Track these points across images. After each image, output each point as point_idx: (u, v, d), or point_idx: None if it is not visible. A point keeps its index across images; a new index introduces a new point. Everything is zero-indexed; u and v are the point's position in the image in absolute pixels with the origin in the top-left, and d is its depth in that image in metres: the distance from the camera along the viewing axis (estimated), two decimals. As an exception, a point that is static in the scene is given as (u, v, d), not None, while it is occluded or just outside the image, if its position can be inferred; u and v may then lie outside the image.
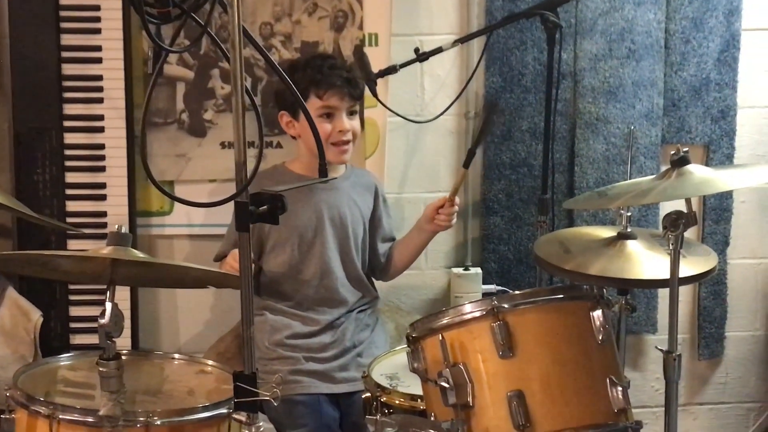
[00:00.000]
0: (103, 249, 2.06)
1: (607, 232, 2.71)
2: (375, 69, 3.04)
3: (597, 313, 2.12)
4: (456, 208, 2.96)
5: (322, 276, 2.94)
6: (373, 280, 3.12)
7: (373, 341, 2.97)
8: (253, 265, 2.83)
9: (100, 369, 2.01)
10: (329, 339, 2.90)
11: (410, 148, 3.41)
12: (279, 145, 3.23)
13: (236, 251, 2.67)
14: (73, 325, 3.17)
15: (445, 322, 2.11)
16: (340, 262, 2.97)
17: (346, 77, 2.90)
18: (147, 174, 1.73)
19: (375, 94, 3.04)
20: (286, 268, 2.94)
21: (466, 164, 2.89)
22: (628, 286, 2.66)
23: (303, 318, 2.92)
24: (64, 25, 3.10)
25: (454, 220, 3.00)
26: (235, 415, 1.92)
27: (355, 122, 2.95)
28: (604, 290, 2.19)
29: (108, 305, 2.00)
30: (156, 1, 1.65)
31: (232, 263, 2.79)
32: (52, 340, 3.13)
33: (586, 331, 2.10)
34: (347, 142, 2.90)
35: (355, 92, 2.92)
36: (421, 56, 3.08)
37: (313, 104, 2.84)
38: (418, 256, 3.14)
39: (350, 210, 2.99)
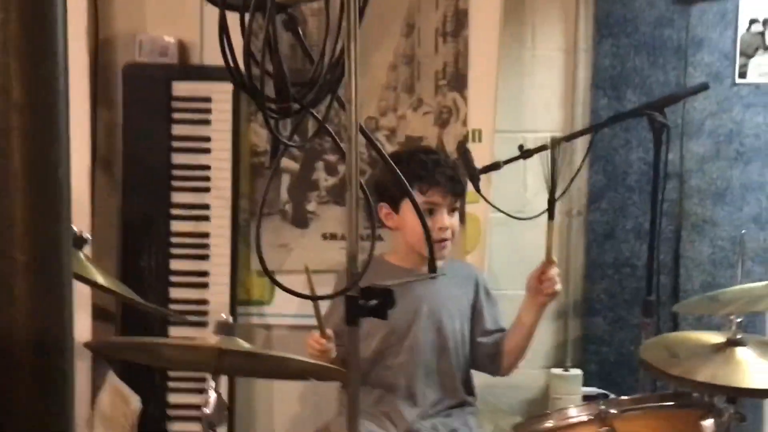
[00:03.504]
0: (210, 338, 2.07)
1: (715, 338, 2.63)
2: (478, 165, 3.03)
3: (707, 423, 2.06)
4: (556, 269, 2.82)
5: (409, 368, 2.89)
6: (473, 384, 3.02)
7: None
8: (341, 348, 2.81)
9: (203, 459, 2.01)
10: None
11: (512, 245, 3.39)
12: (380, 238, 3.23)
13: (316, 334, 2.68)
14: (170, 412, 3.17)
15: (549, 425, 2.08)
16: (435, 357, 2.91)
17: (450, 175, 2.90)
18: (262, 267, 1.74)
19: (478, 190, 3.02)
20: (372, 356, 2.88)
21: (551, 215, 2.77)
22: (737, 395, 2.56)
23: (380, 421, 2.85)
24: (176, 116, 3.18)
25: (559, 286, 2.84)
26: None
27: (455, 220, 2.94)
28: (715, 399, 2.13)
29: (212, 394, 2.00)
30: (277, 97, 1.67)
31: (312, 344, 2.69)
32: (150, 426, 3.13)
33: (697, 441, 2.04)
34: (446, 240, 2.88)
35: (457, 190, 2.92)
36: (525, 153, 3.06)
37: (416, 199, 2.82)
38: (529, 340, 2.95)
39: (445, 304, 2.94)
